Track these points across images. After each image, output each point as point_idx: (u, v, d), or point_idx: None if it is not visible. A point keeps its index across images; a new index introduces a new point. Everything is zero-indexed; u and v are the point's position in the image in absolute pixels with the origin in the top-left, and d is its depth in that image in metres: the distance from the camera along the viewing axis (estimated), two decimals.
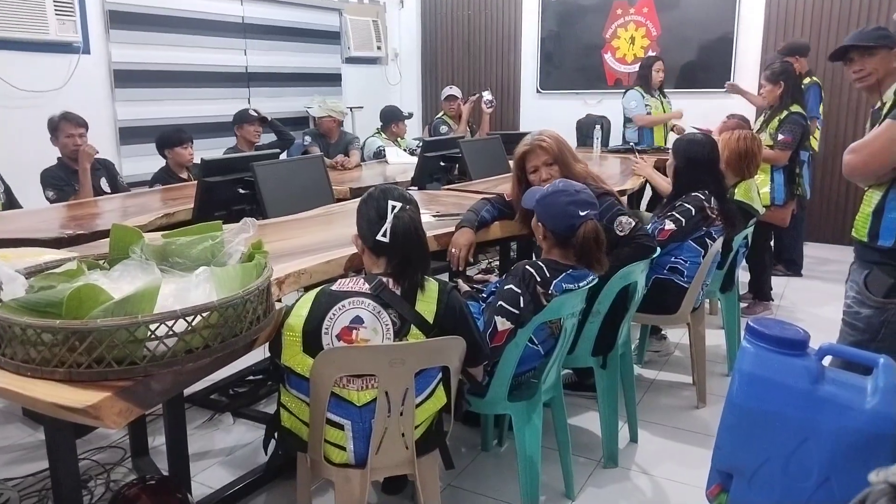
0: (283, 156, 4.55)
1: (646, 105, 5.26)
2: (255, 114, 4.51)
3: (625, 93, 5.45)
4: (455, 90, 5.90)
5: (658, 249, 2.46)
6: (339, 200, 3.25)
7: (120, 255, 1.62)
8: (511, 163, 2.72)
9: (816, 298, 4.35)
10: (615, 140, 5.86)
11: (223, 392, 3.03)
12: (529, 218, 2.21)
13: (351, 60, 6.56)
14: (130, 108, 4.69)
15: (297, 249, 2.19)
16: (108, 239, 1.71)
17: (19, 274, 1.42)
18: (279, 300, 1.79)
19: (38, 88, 4.11)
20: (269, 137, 4.81)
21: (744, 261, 3.63)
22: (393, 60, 7.18)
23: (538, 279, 1.98)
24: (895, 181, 1.85)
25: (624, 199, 3.26)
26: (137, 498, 1.84)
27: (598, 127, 5.54)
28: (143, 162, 4.37)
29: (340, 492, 1.71)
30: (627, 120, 5.45)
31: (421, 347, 1.65)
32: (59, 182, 3.54)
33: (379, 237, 1.70)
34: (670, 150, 3.11)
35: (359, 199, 1.82)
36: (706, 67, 6.06)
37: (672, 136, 5.10)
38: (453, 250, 2.41)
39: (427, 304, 1.69)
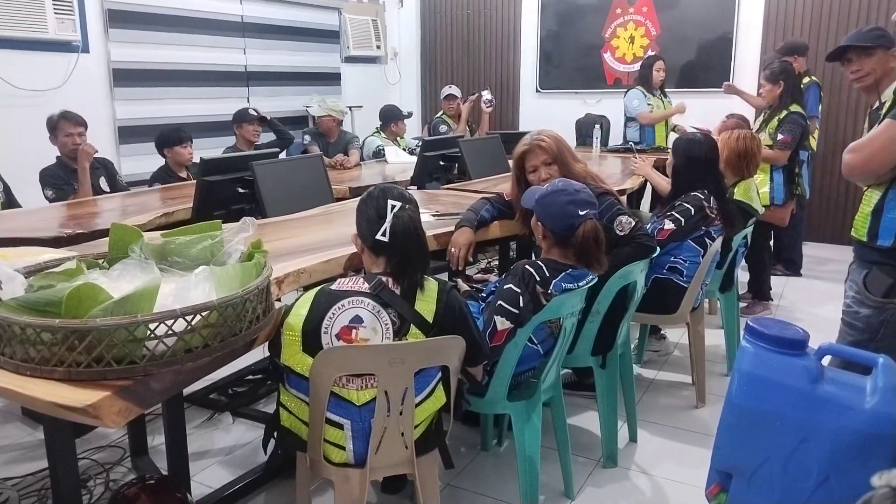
0: (283, 155, 4.55)
1: (648, 104, 5.26)
2: (255, 113, 4.51)
3: (626, 92, 5.44)
4: (454, 89, 5.90)
5: (658, 249, 2.46)
6: (338, 200, 3.25)
7: (119, 254, 1.62)
8: (510, 162, 2.72)
9: (816, 298, 4.35)
10: (614, 139, 5.86)
11: (222, 391, 3.03)
12: (529, 217, 2.21)
13: (350, 59, 6.56)
14: (129, 108, 4.69)
15: (297, 249, 2.18)
16: (107, 238, 1.71)
17: (18, 273, 1.42)
18: (279, 299, 1.79)
19: (37, 87, 4.11)
20: (269, 137, 4.81)
21: (743, 260, 3.63)
22: (392, 59, 7.18)
23: (538, 279, 1.98)
24: (894, 181, 1.85)
25: (623, 198, 3.26)
26: (137, 497, 1.83)
27: (597, 126, 5.54)
28: (143, 161, 4.37)
29: (340, 491, 1.71)
30: (629, 119, 5.43)
31: (420, 347, 1.65)
32: (59, 181, 3.53)
33: (378, 236, 1.70)
34: (670, 150, 3.11)
35: (358, 199, 1.82)
36: (705, 67, 6.06)
37: (673, 137, 5.10)
38: (453, 250, 2.41)
39: (426, 304, 1.69)
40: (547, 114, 6.61)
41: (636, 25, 6.30)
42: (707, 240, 2.83)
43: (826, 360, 1.44)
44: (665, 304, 2.84)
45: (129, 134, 4.68)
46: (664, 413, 2.91)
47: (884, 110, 1.92)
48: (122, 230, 1.67)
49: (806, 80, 4.58)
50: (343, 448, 1.68)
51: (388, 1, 7.06)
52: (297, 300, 1.69)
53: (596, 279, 2.12)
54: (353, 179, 4.04)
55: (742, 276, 3.86)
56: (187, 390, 2.31)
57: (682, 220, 2.82)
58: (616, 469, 2.49)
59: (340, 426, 1.66)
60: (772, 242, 4.49)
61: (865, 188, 1.95)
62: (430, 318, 1.68)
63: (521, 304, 1.96)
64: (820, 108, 4.76)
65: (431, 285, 1.73)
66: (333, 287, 1.68)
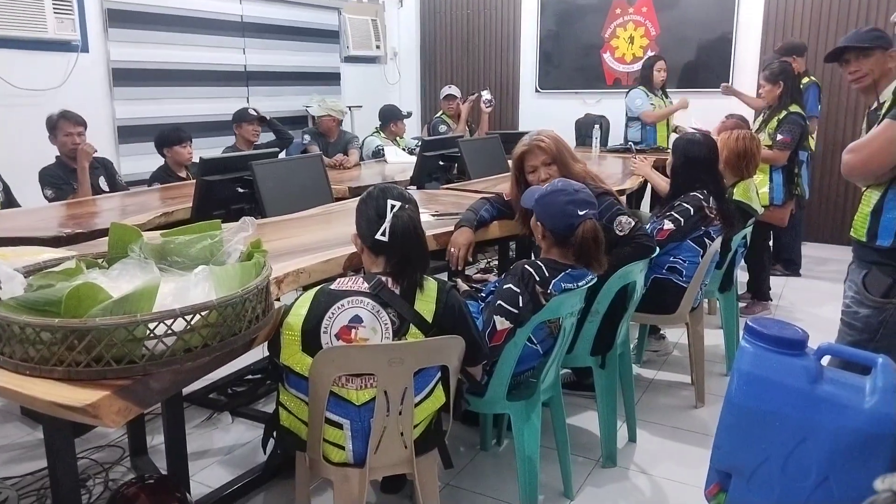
0: (282, 155, 4.55)
1: (650, 104, 5.26)
2: (254, 113, 4.51)
3: (628, 92, 5.44)
4: (454, 89, 5.90)
5: (657, 249, 2.46)
6: (337, 199, 3.25)
7: (119, 253, 1.62)
8: (510, 162, 2.72)
9: (815, 298, 4.35)
10: (614, 140, 5.86)
11: (222, 391, 3.03)
12: (528, 217, 2.21)
13: (350, 59, 6.56)
14: (129, 107, 4.69)
15: (296, 248, 2.18)
16: (106, 238, 1.71)
17: (18, 272, 1.42)
18: (278, 299, 1.79)
19: (37, 87, 4.11)
20: (268, 136, 4.81)
21: (742, 260, 3.63)
22: (392, 59, 7.18)
23: (537, 278, 1.99)
24: (894, 181, 1.85)
25: (623, 198, 3.26)
26: (136, 497, 1.83)
27: (596, 126, 5.54)
28: (142, 161, 4.37)
29: (339, 491, 1.71)
30: (630, 119, 5.43)
31: (420, 347, 1.65)
32: (58, 181, 3.53)
33: (378, 236, 1.70)
34: (671, 150, 3.11)
35: (358, 199, 1.82)
36: (705, 67, 6.06)
37: (674, 137, 5.10)
38: (452, 249, 2.41)
39: (426, 304, 1.70)
40: (546, 114, 6.61)
41: (636, 25, 6.30)
42: (706, 240, 2.83)
43: (825, 360, 1.44)
44: (664, 303, 2.84)
45: (128, 133, 4.68)
46: (663, 413, 2.91)
47: (883, 110, 1.92)
48: (121, 230, 1.67)
49: (805, 80, 4.58)
50: (342, 448, 1.68)
51: (388, 1, 7.06)
52: (296, 300, 1.69)
53: (595, 279, 2.12)
54: (353, 179, 4.04)
55: (741, 276, 3.86)
56: (187, 390, 2.31)
57: (682, 220, 2.82)
58: (615, 469, 2.49)
59: (340, 426, 1.66)
60: (771, 242, 4.50)
61: (864, 188, 1.95)
62: (429, 318, 1.68)
63: (521, 304, 1.96)
64: (819, 107, 4.76)
65: (431, 285, 1.73)
66: (333, 287, 1.68)
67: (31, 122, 3.77)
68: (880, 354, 1.37)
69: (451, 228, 2.47)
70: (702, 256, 2.81)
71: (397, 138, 5.45)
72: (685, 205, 2.85)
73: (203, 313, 1.34)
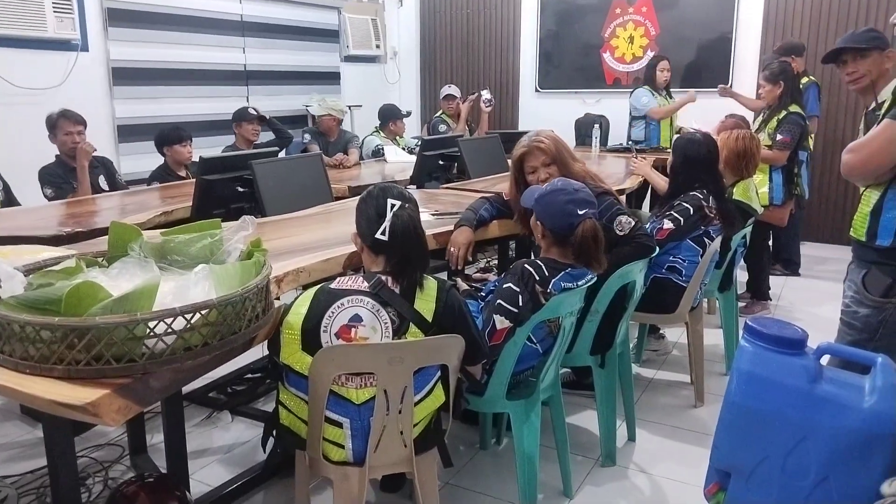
0: (282, 154, 4.54)
1: (656, 103, 5.25)
2: (254, 112, 4.51)
3: (632, 92, 5.43)
4: (454, 89, 5.90)
5: (657, 249, 2.47)
6: (337, 199, 3.25)
7: (119, 252, 1.62)
8: (509, 162, 2.72)
9: (814, 298, 4.36)
10: (614, 139, 5.86)
11: (222, 390, 3.03)
12: (528, 217, 2.21)
13: (350, 59, 6.55)
14: (129, 106, 4.69)
15: (296, 247, 2.18)
16: (106, 237, 1.71)
17: (18, 271, 1.42)
18: (278, 298, 1.79)
19: (37, 86, 4.11)
20: (268, 136, 4.81)
21: (742, 260, 3.64)
22: (392, 59, 7.18)
23: (537, 278, 1.99)
24: (893, 181, 1.85)
25: (623, 198, 3.26)
26: (136, 496, 1.83)
27: (596, 126, 5.54)
28: (142, 160, 4.37)
29: (339, 490, 1.71)
30: (634, 118, 5.43)
31: (420, 346, 1.65)
32: (58, 180, 3.53)
33: (378, 235, 1.70)
34: (671, 150, 3.11)
35: (358, 198, 1.82)
36: (705, 67, 6.06)
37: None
38: (452, 249, 2.41)
39: (426, 303, 1.70)
40: (546, 113, 6.61)
41: (636, 25, 6.30)
42: (706, 239, 2.83)
43: (825, 360, 1.44)
44: (664, 303, 2.85)
45: (128, 133, 4.68)
46: (663, 412, 2.91)
47: (882, 110, 1.93)
48: (121, 229, 1.67)
49: (804, 80, 4.59)
50: (342, 446, 1.69)
51: (388, 0, 7.06)
52: (296, 299, 1.69)
53: (595, 278, 2.12)
54: (353, 178, 4.04)
55: (741, 275, 3.86)
56: (186, 388, 2.31)
57: (681, 219, 2.82)
58: (615, 468, 2.49)
59: (339, 424, 1.66)
60: (771, 242, 4.50)
61: (864, 188, 1.95)
62: (429, 317, 1.68)
63: (521, 303, 1.96)
64: (819, 107, 4.76)
65: (431, 284, 1.73)
66: (333, 286, 1.68)
67: (31, 121, 3.77)
68: (880, 354, 1.37)
69: (451, 228, 2.47)
70: (701, 256, 2.81)
71: (397, 138, 5.45)
72: (685, 204, 2.85)
73: (203, 312, 1.34)
